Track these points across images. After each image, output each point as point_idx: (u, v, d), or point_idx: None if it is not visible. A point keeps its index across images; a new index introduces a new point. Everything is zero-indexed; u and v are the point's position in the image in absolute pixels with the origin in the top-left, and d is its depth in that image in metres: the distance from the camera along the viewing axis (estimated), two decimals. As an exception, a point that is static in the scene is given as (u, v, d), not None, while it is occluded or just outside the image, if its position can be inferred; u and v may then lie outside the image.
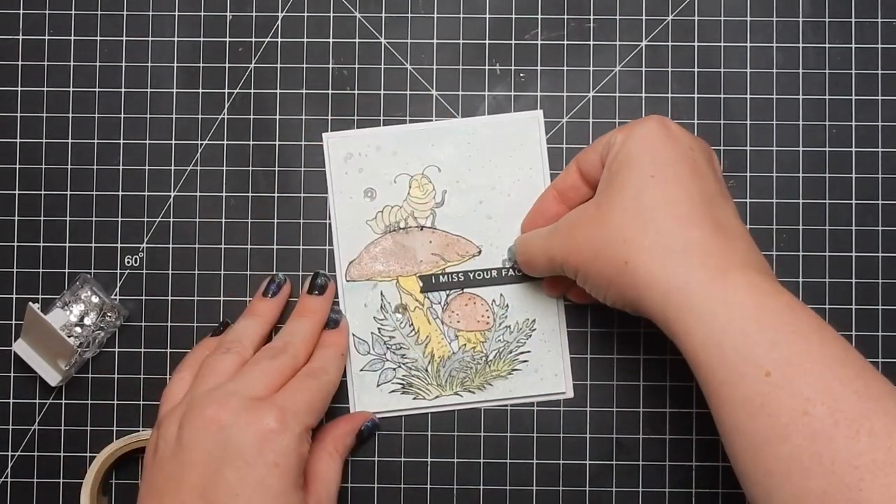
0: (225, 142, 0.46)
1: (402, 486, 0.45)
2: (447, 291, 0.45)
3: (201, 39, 0.46)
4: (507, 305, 0.45)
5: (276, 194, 0.46)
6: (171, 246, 0.46)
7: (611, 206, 0.36)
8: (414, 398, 0.45)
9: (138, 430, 0.45)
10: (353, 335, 0.45)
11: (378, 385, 0.45)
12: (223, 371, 0.39)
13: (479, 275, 0.45)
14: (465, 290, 0.45)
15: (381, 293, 0.45)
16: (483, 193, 0.45)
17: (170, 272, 0.45)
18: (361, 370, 0.45)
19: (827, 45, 0.45)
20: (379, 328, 0.45)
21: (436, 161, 0.45)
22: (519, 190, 0.45)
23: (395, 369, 0.45)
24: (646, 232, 0.35)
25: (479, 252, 0.45)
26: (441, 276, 0.45)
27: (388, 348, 0.45)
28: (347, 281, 0.45)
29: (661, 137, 0.36)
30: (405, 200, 0.45)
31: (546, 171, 0.45)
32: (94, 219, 0.46)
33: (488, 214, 0.45)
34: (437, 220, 0.45)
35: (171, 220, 0.46)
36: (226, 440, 0.35)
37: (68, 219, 0.46)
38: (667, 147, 0.36)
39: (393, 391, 0.45)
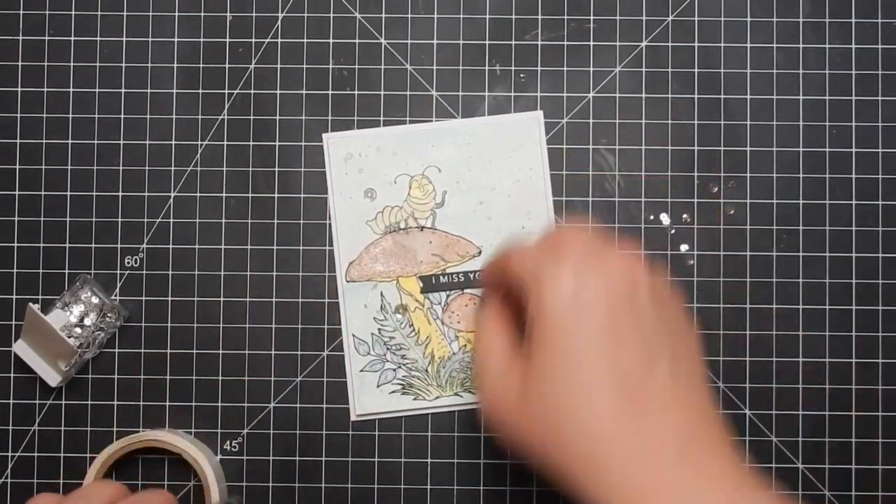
0: (225, 142, 0.46)
1: (402, 486, 0.45)
2: (447, 292, 0.45)
3: (201, 40, 0.46)
4: (508, 306, 0.45)
5: (276, 195, 0.46)
6: (171, 246, 0.46)
7: (538, 396, 0.33)
8: (414, 399, 0.45)
9: (138, 430, 0.45)
10: (354, 335, 0.45)
11: (378, 385, 0.45)
12: None
13: (479, 275, 0.45)
14: (466, 291, 0.45)
15: (382, 294, 0.45)
16: (483, 194, 0.45)
17: (170, 273, 0.45)
18: (361, 371, 0.45)
19: (827, 46, 0.45)
20: (379, 329, 0.45)
21: (436, 161, 0.45)
22: (519, 190, 0.45)
23: (395, 370, 0.45)
24: (576, 441, 0.32)
25: (479, 252, 0.45)
26: (441, 277, 0.45)
27: (388, 349, 0.45)
28: (347, 282, 0.45)
29: (573, 308, 0.33)
30: (405, 201, 0.45)
31: (546, 171, 0.45)
32: (94, 219, 0.46)
33: (488, 215, 0.45)
34: (437, 220, 0.45)
35: (171, 220, 0.46)
36: None
37: (68, 219, 0.46)
38: (582, 324, 0.32)
39: (393, 392, 0.45)
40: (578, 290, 0.33)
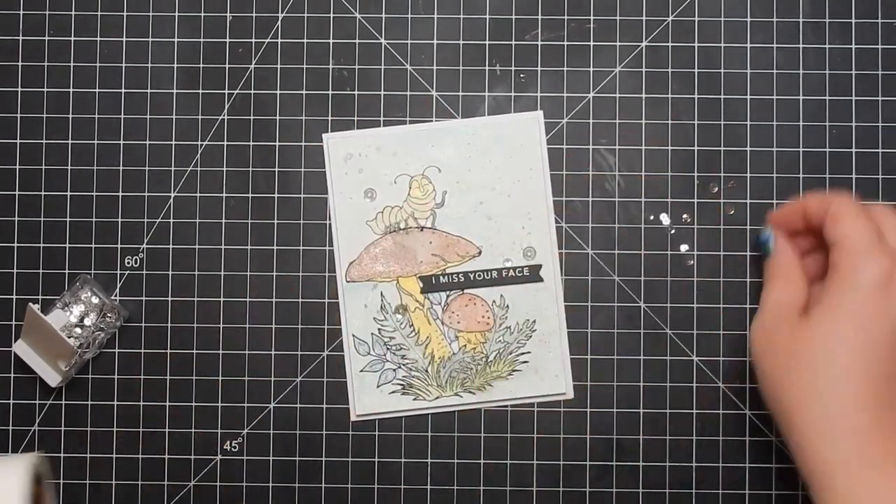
0: (225, 142, 0.46)
1: (402, 486, 0.45)
2: (447, 292, 0.45)
3: (201, 40, 0.46)
4: (508, 306, 0.45)
5: (276, 195, 0.46)
6: (171, 247, 0.46)
7: (803, 346, 0.36)
8: (414, 399, 0.45)
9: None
10: (354, 336, 0.45)
11: (378, 386, 0.45)
12: None
13: (479, 275, 0.45)
14: (466, 291, 0.45)
15: (382, 294, 0.45)
16: (483, 194, 0.45)
17: (170, 273, 0.45)
18: (361, 371, 0.45)
19: (827, 46, 0.45)
20: (379, 329, 0.45)
21: (436, 162, 0.45)
22: (519, 190, 0.45)
23: (395, 370, 0.45)
24: (814, 400, 0.35)
25: (480, 253, 0.45)
26: (441, 277, 0.45)
27: (388, 349, 0.45)
28: (347, 282, 0.45)
29: (880, 299, 0.35)
30: (405, 201, 0.45)
31: (546, 171, 0.45)
32: (94, 219, 0.46)
33: (488, 215, 0.45)
34: (437, 220, 0.45)
35: (171, 220, 0.46)
36: None
37: (68, 219, 0.46)
38: (878, 312, 0.35)
39: (393, 392, 0.45)
40: (892, 283, 0.35)
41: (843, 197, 0.39)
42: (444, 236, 0.45)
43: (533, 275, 0.45)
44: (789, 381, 0.36)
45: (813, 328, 0.36)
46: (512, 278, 0.45)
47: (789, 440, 0.37)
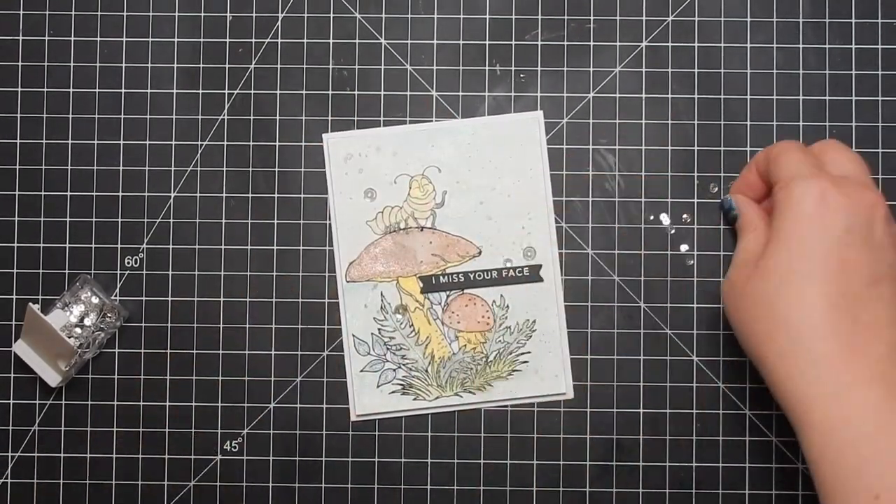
0: (225, 143, 0.46)
1: (402, 486, 0.45)
2: (447, 292, 0.45)
3: (201, 40, 0.46)
4: (508, 306, 0.45)
5: (276, 195, 0.46)
6: (171, 247, 0.46)
7: (759, 284, 0.37)
8: (414, 399, 0.45)
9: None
10: (354, 336, 0.45)
11: (378, 386, 0.45)
12: None
13: (479, 275, 0.45)
14: (466, 291, 0.45)
15: (382, 294, 0.45)
16: (483, 194, 0.45)
17: (170, 273, 0.45)
18: (361, 371, 0.45)
19: (827, 46, 0.45)
20: (379, 329, 0.45)
21: (436, 161, 0.45)
22: (519, 190, 0.45)
23: (395, 370, 0.45)
24: (777, 335, 0.35)
25: (480, 253, 0.45)
26: (441, 277, 0.45)
27: (388, 349, 0.45)
28: (347, 282, 0.45)
29: (817, 217, 0.36)
30: (405, 201, 0.45)
31: (546, 171, 0.45)
32: (94, 219, 0.46)
33: (488, 215, 0.45)
34: (437, 220, 0.45)
35: (171, 220, 0.46)
36: None
37: (68, 219, 0.46)
38: (818, 231, 0.36)
39: (393, 392, 0.45)
40: (826, 199, 0.36)
41: (784, 140, 0.41)
42: (444, 236, 0.45)
43: (533, 275, 0.45)
44: (755, 322, 0.36)
45: (765, 265, 0.37)
46: (512, 278, 0.45)
47: (766, 380, 0.37)
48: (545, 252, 0.45)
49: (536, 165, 0.45)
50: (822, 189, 0.36)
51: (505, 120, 0.46)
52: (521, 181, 0.45)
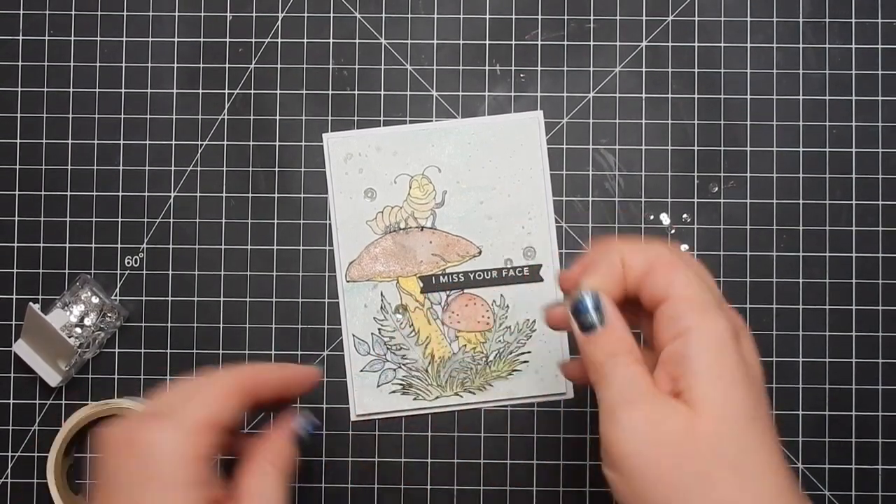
0: (225, 142, 0.46)
1: (402, 486, 0.45)
2: (447, 292, 0.45)
3: (201, 40, 0.46)
4: (508, 306, 0.45)
5: (276, 195, 0.46)
6: (171, 246, 0.46)
7: (700, 434, 0.29)
8: (414, 399, 0.45)
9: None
10: (354, 336, 0.45)
11: (378, 385, 0.45)
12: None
13: (479, 275, 0.45)
14: (466, 291, 0.45)
15: (382, 293, 0.45)
16: (483, 194, 0.45)
17: (170, 273, 0.45)
18: (362, 371, 0.45)
19: (827, 46, 0.45)
20: (379, 329, 0.45)
21: (436, 161, 0.45)
22: (519, 190, 0.45)
23: (395, 370, 0.45)
24: (709, 492, 0.28)
25: (480, 252, 0.45)
26: (441, 277, 0.45)
27: (388, 349, 0.45)
28: (347, 281, 0.45)
29: (738, 366, 0.30)
30: (405, 201, 0.45)
31: (546, 171, 0.45)
32: (94, 219, 0.46)
33: (488, 215, 0.45)
34: (437, 220, 0.45)
35: (171, 220, 0.46)
36: (127, 460, 0.31)
37: (68, 219, 0.46)
38: (742, 371, 0.30)
39: (393, 392, 0.45)
40: (738, 338, 0.30)
41: (651, 246, 0.32)
42: (445, 236, 0.45)
43: (533, 275, 0.45)
44: (679, 475, 0.29)
45: (707, 406, 0.29)
46: (512, 278, 0.45)
47: None
48: (545, 252, 0.45)
49: (536, 166, 0.45)
50: (733, 333, 0.30)
51: (505, 120, 0.46)
52: (521, 181, 0.45)
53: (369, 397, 0.45)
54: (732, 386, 0.29)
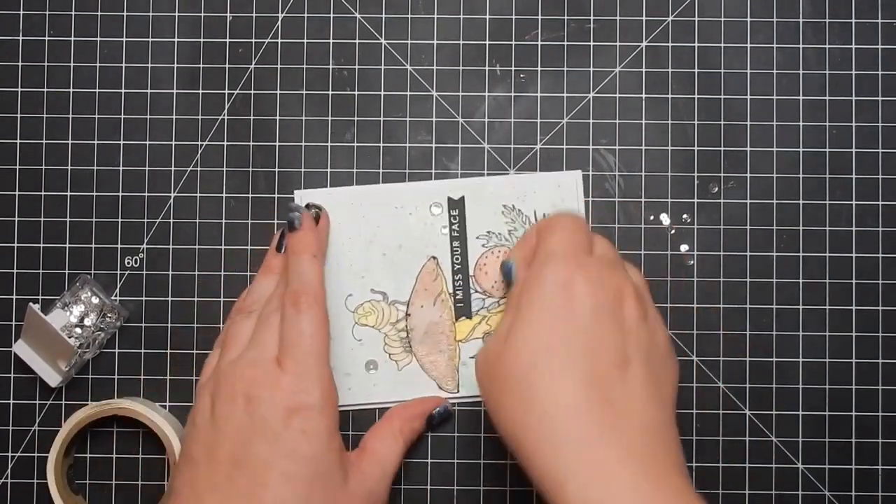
0: (225, 143, 0.46)
1: (402, 486, 0.45)
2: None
3: (201, 40, 0.46)
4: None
5: (276, 195, 0.46)
6: (171, 247, 0.46)
7: (509, 361, 0.35)
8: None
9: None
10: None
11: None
12: (244, 337, 0.39)
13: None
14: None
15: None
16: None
17: (170, 273, 0.45)
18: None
19: (827, 46, 0.45)
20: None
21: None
22: None
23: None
24: (531, 413, 0.34)
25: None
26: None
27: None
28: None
29: (561, 299, 0.35)
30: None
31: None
32: (94, 219, 0.46)
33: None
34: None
35: (172, 220, 0.46)
36: (252, 413, 0.36)
37: (68, 219, 0.46)
38: (563, 312, 0.35)
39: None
40: (573, 282, 0.35)
41: (563, 214, 0.39)
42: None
43: (533, 275, 0.45)
44: (507, 397, 0.34)
45: (514, 342, 0.35)
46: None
47: (519, 458, 0.34)
48: (545, 252, 0.45)
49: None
50: (570, 272, 0.35)
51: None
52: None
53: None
54: (521, 319, 0.35)
